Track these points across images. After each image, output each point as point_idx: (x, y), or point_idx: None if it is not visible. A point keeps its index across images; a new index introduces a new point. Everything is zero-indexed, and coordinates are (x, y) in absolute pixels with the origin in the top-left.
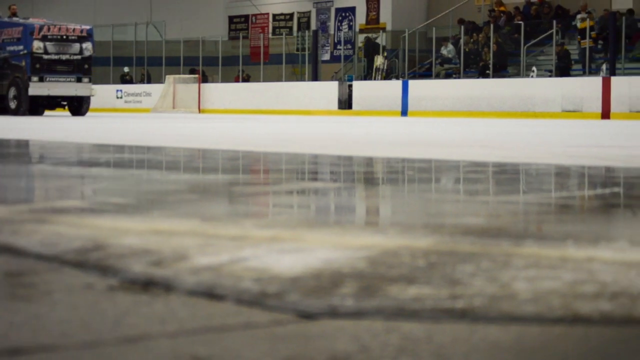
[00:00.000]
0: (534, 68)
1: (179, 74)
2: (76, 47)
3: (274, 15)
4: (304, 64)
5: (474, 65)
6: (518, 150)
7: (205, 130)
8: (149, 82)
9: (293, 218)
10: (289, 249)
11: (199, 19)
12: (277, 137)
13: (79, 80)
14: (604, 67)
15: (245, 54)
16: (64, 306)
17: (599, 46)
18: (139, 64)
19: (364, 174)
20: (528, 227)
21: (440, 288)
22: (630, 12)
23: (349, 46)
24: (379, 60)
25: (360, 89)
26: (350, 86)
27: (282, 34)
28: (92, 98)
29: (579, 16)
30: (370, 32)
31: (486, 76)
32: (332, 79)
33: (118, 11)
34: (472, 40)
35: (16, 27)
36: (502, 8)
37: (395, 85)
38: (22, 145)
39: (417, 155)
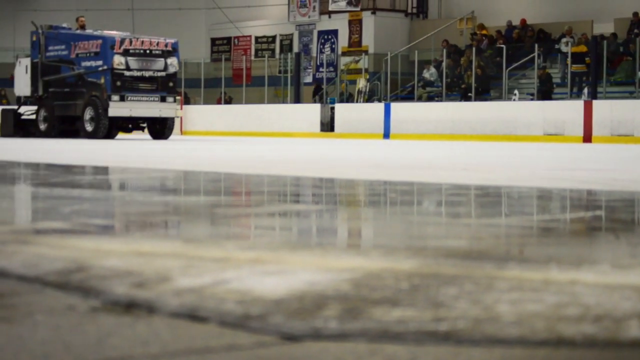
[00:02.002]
0: (516, 91)
1: None
2: (160, 62)
3: (257, 38)
4: (286, 87)
5: (456, 89)
6: (500, 173)
7: (187, 152)
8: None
9: (275, 240)
10: (271, 271)
11: (182, 41)
12: (260, 159)
13: (163, 99)
14: (585, 90)
15: (228, 75)
16: (46, 327)
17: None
18: None
19: (346, 196)
20: (511, 249)
21: (424, 310)
22: (614, 36)
23: (332, 69)
24: (361, 83)
25: (343, 111)
26: (332, 109)
27: (264, 56)
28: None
29: (563, 40)
30: (353, 54)
31: (468, 99)
32: (314, 101)
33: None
34: (454, 63)
35: (93, 40)
36: (484, 31)
37: (378, 108)
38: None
39: (399, 177)
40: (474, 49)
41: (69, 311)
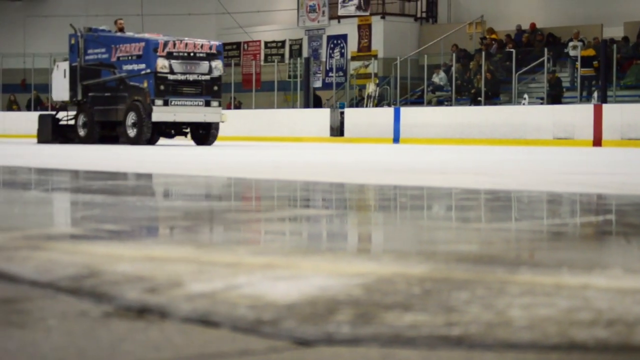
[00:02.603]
0: (525, 95)
1: None
2: (205, 65)
3: (266, 43)
4: (296, 91)
5: (466, 93)
6: (510, 177)
7: (197, 157)
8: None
9: (287, 245)
10: (283, 276)
11: None
12: (269, 164)
13: (207, 104)
14: (595, 94)
15: (237, 80)
16: (59, 333)
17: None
18: None
19: (356, 201)
20: (522, 254)
21: (436, 315)
22: (625, 39)
23: (341, 73)
24: (370, 88)
25: (352, 116)
26: (342, 113)
27: (274, 61)
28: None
29: (571, 44)
30: (362, 59)
31: (478, 103)
32: (324, 106)
33: None
34: (464, 67)
35: (136, 42)
36: (493, 36)
37: (387, 112)
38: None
39: (409, 182)
40: (483, 53)
41: (81, 316)
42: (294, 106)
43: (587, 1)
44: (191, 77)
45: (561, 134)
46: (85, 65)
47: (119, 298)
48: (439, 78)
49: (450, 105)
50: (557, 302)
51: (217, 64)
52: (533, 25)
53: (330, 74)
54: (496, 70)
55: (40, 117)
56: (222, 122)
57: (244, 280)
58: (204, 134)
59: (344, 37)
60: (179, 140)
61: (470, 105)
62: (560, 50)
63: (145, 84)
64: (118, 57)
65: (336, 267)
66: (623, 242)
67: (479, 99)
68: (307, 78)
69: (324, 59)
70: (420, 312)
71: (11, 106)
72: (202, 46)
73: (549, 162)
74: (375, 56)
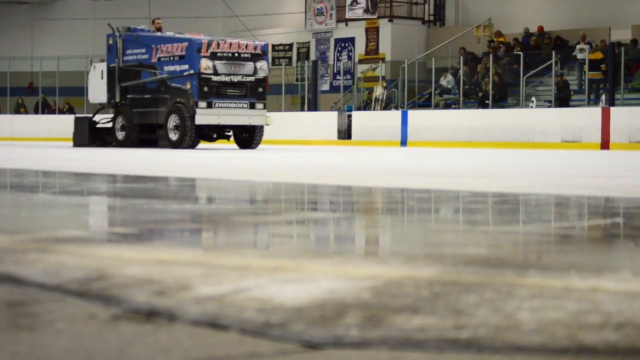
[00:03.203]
0: (533, 98)
1: None
2: (249, 66)
3: (274, 46)
4: (304, 94)
5: (474, 96)
6: (518, 180)
7: (204, 160)
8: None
9: (295, 248)
10: (292, 279)
11: None
12: (277, 167)
13: (252, 106)
14: (603, 97)
15: None
16: (67, 336)
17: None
18: None
19: (364, 204)
20: (530, 257)
21: (445, 318)
22: (633, 42)
23: (349, 76)
24: (378, 91)
25: (360, 119)
26: (349, 116)
27: (281, 64)
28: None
29: (578, 47)
30: (370, 62)
31: (485, 107)
32: (331, 109)
33: None
34: (471, 70)
35: (178, 42)
36: (501, 39)
37: (395, 115)
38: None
39: (417, 185)
40: (491, 56)
41: (90, 319)
42: (301, 109)
43: (595, 4)
44: (235, 79)
45: (569, 137)
46: (124, 66)
47: (128, 301)
48: (446, 81)
49: (458, 108)
50: (566, 305)
51: (262, 65)
52: (541, 28)
53: (337, 77)
54: (504, 73)
55: (77, 119)
56: (267, 125)
57: (252, 283)
58: (248, 137)
59: (351, 40)
60: (219, 143)
61: (477, 108)
62: (568, 53)
63: (188, 86)
64: (159, 58)
65: (344, 270)
66: (631, 245)
67: (487, 102)
68: (314, 81)
69: (331, 62)
70: (429, 315)
71: (19, 109)
72: (246, 46)
73: (556, 165)
74: (383, 59)
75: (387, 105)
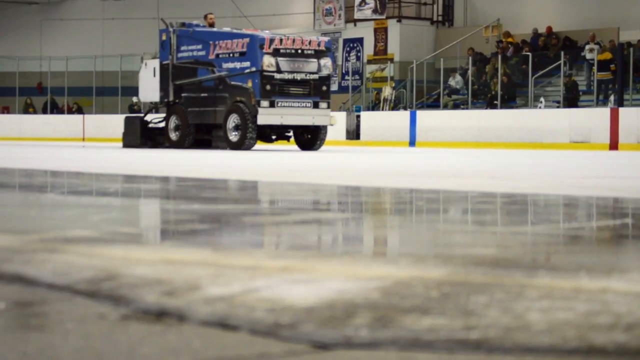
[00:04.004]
0: (541, 99)
1: None
2: (313, 64)
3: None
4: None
5: (482, 96)
6: (527, 181)
7: (213, 160)
8: (156, 112)
9: (304, 248)
10: (301, 280)
11: None
12: (285, 167)
13: (315, 105)
14: (612, 98)
15: None
16: (77, 336)
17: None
18: None
19: (373, 204)
20: (540, 258)
21: (455, 319)
22: None
23: (357, 77)
24: (386, 91)
25: (368, 119)
26: (358, 117)
27: None
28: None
29: (587, 47)
30: (378, 62)
31: (494, 107)
32: (340, 109)
33: (126, 41)
34: (480, 71)
35: (239, 38)
36: (510, 39)
37: (403, 115)
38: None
39: (426, 185)
40: (499, 56)
41: (99, 320)
42: None
43: (604, 4)
44: (299, 76)
45: (577, 137)
46: (178, 63)
47: (137, 301)
48: (455, 81)
49: (467, 108)
50: (576, 306)
51: (326, 62)
52: (549, 28)
53: (346, 77)
54: (512, 73)
55: (127, 119)
56: (332, 125)
57: (262, 284)
58: (311, 138)
59: (360, 41)
60: (278, 144)
61: (486, 108)
62: (577, 54)
63: (250, 84)
64: (217, 55)
65: (354, 270)
66: None
67: (495, 102)
68: None
69: (340, 63)
70: (438, 315)
71: (27, 109)
72: (310, 42)
73: (565, 165)
74: (392, 59)
75: (396, 105)
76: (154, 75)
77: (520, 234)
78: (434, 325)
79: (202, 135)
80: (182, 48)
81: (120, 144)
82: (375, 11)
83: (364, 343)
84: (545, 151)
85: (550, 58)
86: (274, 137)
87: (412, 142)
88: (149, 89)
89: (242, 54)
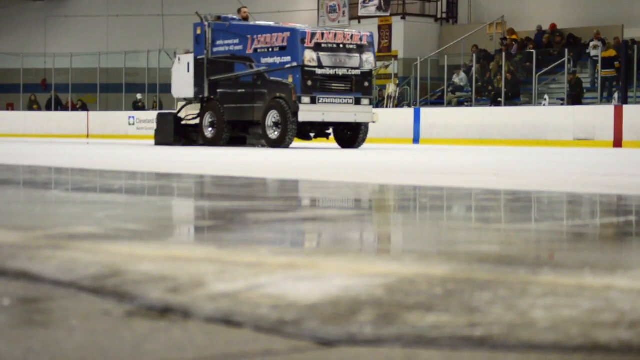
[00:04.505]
0: (546, 96)
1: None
2: (355, 59)
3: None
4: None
5: (486, 93)
6: (530, 178)
7: (217, 157)
8: (161, 108)
9: (308, 245)
10: (305, 276)
11: None
12: (290, 164)
13: (357, 102)
14: (616, 95)
15: None
16: (81, 332)
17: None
18: (151, 91)
19: (377, 201)
20: (544, 255)
21: (459, 316)
22: None
23: None
24: (390, 88)
25: None
26: None
27: None
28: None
29: (592, 44)
30: (382, 59)
31: (498, 104)
32: None
33: (130, 38)
34: (484, 68)
35: (278, 32)
36: (514, 36)
37: (407, 113)
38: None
39: (429, 182)
40: (503, 53)
41: (104, 316)
42: None
43: (608, 2)
44: (340, 72)
45: (581, 134)
46: (214, 58)
47: (142, 298)
48: (459, 79)
49: (471, 106)
50: (580, 303)
51: (369, 57)
52: (553, 25)
53: None
54: (516, 70)
55: (160, 116)
56: (374, 122)
57: (266, 280)
58: (352, 136)
59: None
60: (316, 142)
61: (490, 106)
62: (581, 51)
63: (290, 79)
64: (255, 49)
65: (358, 267)
66: None
67: (499, 99)
68: None
69: None
70: (442, 312)
71: (32, 106)
72: (352, 37)
73: (569, 163)
74: (396, 57)
75: (400, 102)
76: (188, 71)
77: (524, 231)
78: (438, 322)
79: (237, 133)
80: (218, 42)
81: (149, 141)
82: (379, 8)
83: (368, 340)
84: (549, 148)
85: (555, 55)
86: (312, 134)
87: (416, 139)
88: (183, 84)
89: (282, 48)
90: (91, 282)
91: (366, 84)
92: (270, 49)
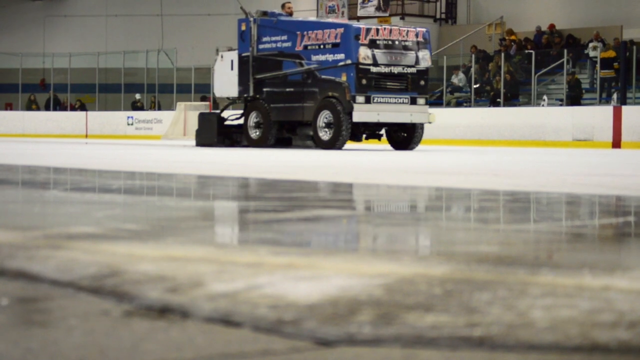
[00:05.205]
0: (544, 97)
1: (190, 101)
2: (411, 56)
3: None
4: None
5: (485, 94)
6: (529, 178)
7: (216, 157)
8: (159, 109)
9: (307, 245)
10: (304, 276)
11: (211, 47)
12: (288, 164)
13: (412, 101)
14: (615, 96)
15: None
16: (80, 332)
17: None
18: (150, 91)
19: (376, 202)
20: (543, 255)
21: (458, 316)
22: None
23: None
24: None
25: None
26: None
27: None
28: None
29: (591, 45)
30: None
31: (497, 105)
32: None
33: (129, 38)
34: (483, 69)
35: (331, 28)
36: (512, 37)
37: None
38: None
39: (428, 183)
40: (502, 54)
41: (103, 316)
42: None
43: (607, 2)
44: (396, 70)
45: (580, 135)
46: (260, 55)
47: (141, 297)
48: (458, 79)
49: (469, 106)
50: (579, 304)
51: (425, 54)
52: (552, 26)
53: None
54: (515, 71)
55: (202, 116)
56: (430, 122)
57: (265, 280)
58: (407, 137)
59: None
60: (366, 144)
61: (489, 106)
62: (580, 52)
63: (344, 78)
64: (305, 46)
65: (357, 267)
66: None
67: (498, 100)
68: None
69: None
70: (441, 312)
71: (30, 106)
72: (407, 33)
73: (568, 163)
74: None
75: None
76: (232, 69)
77: (523, 232)
78: (437, 323)
79: (283, 134)
80: (264, 39)
81: (152, 141)
82: (378, 8)
83: (367, 340)
84: (548, 149)
85: (554, 56)
86: (364, 135)
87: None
88: (226, 83)
89: (334, 45)
90: (90, 282)
91: (422, 82)
92: (322, 46)
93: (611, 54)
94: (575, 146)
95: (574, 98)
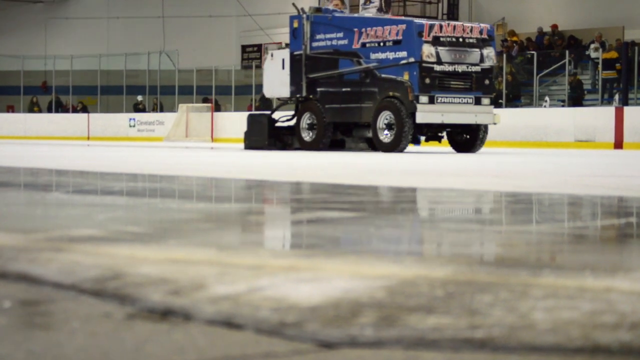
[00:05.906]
0: (546, 98)
1: (192, 102)
2: (475, 54)
3: (287, 44)
4: None
5: None
6: (531, 179)
7: (218, 159)
8: (161, 110)
9: (309, 247)
10: (306, 279)
11: (212, 48)
12: (290, 165)
13: (477, 101)
14: (616, 97)
15: (258, 82)
16: (82, 334)
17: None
18: (152, 93)
19: (377, 203)
20: (544, 257)
21: (459, 318)
22: None
23: None
24: None
25: None
26: None
27: None
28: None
29: (592, 46)
30: None
31: (499, 106)
32: None
33: (131, 40)
34: None
35: (392, 25)
36: (514, 38)
37: None
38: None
39: (430, 184)
40: (504, 55)
41: (105, 318)
42: None
43: (609, 3)
44: (460, 68)
45: (582, 136)
46: (313, 53)
47: (143, 300)
48: None
49: None
50: (581, 305)
51: (489, 52)
52: (554, 27)
53: None
54: (517, 72)
55: (251, 117)
56: (495, 124)
57: (267, 283)
58: (470, 138)
59: None
60: (427, 146)
61: None
62: (582, 53)
63: (407, 77)
64: (363, 44)
65: (359, 269)
66: None
67: (500, 101)
68: None
69: None
70: (443, 314)
71: (32, 108)
72: (471, 30)
73: (570, 164)
74: None
75: None
76: (283, 68)
77: (525, 233)
78: (439, 324)
79: (337, 136)
80: (318, 37)
81: (153, 142)
82: (380, 9)
83: (369, 342)
84: (550, 150)
85: (555, 57)
86: (423, 137)
87: (417, 141)
88: (277, 83)
89: (396, 42)
90: (92, 284)
91: (487, 81)
92: (382, 44)
93: (613, 54)
94: (577, 147)
95: (576, 99)
